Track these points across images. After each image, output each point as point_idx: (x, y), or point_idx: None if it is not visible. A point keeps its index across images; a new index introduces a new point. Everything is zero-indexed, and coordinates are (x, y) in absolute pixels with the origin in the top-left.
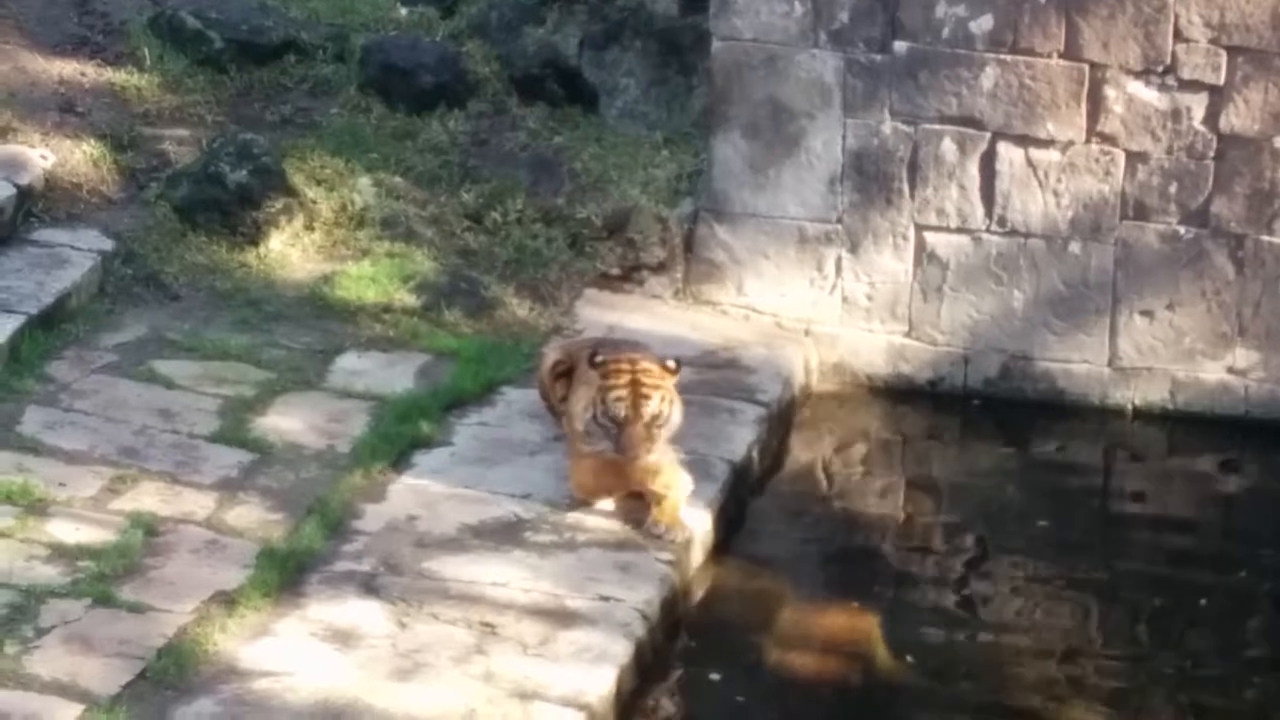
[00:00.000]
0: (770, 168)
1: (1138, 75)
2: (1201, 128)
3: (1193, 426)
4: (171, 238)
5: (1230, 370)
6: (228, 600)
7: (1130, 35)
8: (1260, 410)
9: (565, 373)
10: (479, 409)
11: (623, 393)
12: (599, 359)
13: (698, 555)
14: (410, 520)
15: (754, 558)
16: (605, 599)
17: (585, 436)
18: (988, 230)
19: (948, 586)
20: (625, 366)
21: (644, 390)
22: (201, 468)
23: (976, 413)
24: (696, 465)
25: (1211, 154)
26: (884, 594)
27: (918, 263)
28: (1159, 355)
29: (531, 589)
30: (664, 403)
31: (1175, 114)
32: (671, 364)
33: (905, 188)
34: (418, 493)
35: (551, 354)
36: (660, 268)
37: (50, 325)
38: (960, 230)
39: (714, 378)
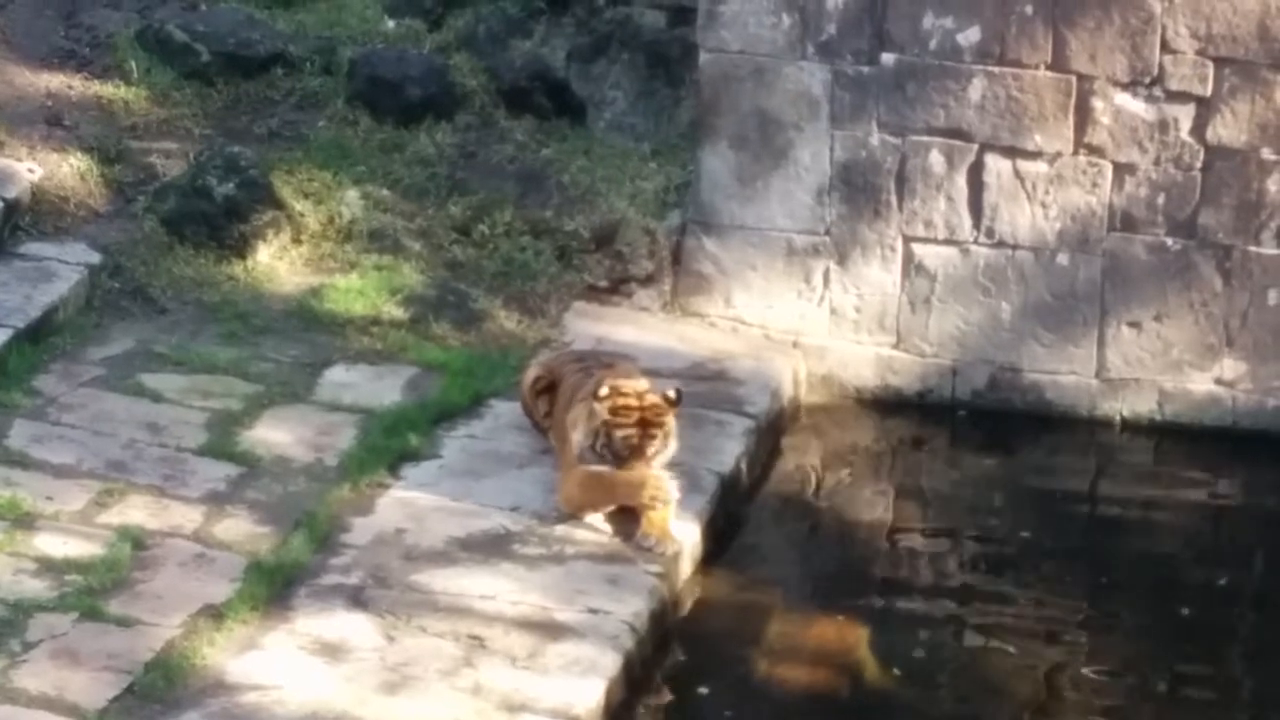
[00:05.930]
0: (758, 180)
1: (1125, 87)
2: (1189, 139)
3: (1180, 437)
4: (159, 251)
5: (1218, 381)
6: (215, 614)
7: (1117, 47)
8: (1248, 421)
9: (546, 389)
10: (467, 421)
11: (631, 432)
12: (603, 392)
13: (686, 567)
14: (398, 533)
15: (743, 569)
16: (594, 611)
17: (580, 457)
18: (975, 242)
19: (936, 598)
20: (634, 403)
21: (651, 430)
22: (189, 481)
23: (964, 424)
24: (685, 477)
25: (1199, 165)
26: (872, 605)
27: (906, 274)
28: (1146, 366)
29: (520, 601)
30: (666, 438)
31: (1162, 125)
32: (672, 394)
33: (893, 199)
34: (406, 505)
35: (532, 370)
36: (648, 280)
37: (37, 339)
38: (948, 242)
39: (702, 390)
